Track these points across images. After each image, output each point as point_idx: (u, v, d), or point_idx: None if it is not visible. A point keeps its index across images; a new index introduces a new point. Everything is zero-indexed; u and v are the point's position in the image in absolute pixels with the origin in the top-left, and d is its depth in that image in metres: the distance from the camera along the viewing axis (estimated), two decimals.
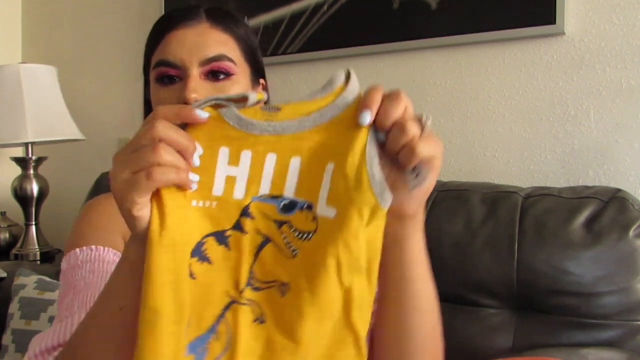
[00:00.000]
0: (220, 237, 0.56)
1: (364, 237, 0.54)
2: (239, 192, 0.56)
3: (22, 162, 2.05)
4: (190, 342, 0.54)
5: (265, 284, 0.56)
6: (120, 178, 0.50)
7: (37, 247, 2.05)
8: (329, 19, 1.66)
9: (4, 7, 2.37)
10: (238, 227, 0.56)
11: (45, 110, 1.95)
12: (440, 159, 0.54)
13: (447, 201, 1.30)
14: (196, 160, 0.53)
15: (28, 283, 1.58)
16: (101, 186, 1.75)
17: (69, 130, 1.97)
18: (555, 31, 1.37)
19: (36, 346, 0.69)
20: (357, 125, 0.54)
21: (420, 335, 0.62)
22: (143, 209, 0.51)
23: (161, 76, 0.77)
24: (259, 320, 0.55)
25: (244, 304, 0.55)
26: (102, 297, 0.59)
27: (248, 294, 0.56)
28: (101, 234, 0.79)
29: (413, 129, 0.52)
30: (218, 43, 0.78)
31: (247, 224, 0.56)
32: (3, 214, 2.16)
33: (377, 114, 0.53)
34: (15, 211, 2.13)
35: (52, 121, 1.95)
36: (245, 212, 0.56)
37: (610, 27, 1.34)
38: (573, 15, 1.37)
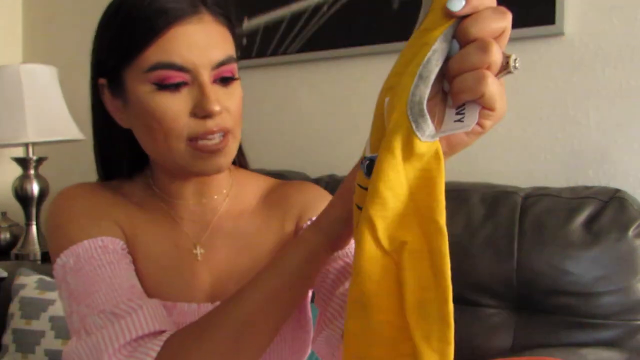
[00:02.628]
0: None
1: (404, 182, 0.43)
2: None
3: (22, 162, 2.05)
4: None
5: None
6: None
7: (37, 247, 2.05)
8: (329, 19, 1.67)
9: (4, 7, 2.37)
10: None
11: (45, 110, 1.95)
12: (500, 117, 0.44)
13: (447, 201, 1.30)
14: None
15: (28, 283, 1.58)
16: None
17: (69, 130, 1.97)
18: (555, 32, 1.37)
19: (107, 347, 0.59)
20: (429, 29, 0.42)
21: None
22: None
23: (164, 80, 0.63)
24: None
25: None
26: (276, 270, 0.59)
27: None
28: (97, 222, 0.69)
29: (497, 56, 0.41)
30: (224, 42, 0.67)
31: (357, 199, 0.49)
32: (3, 214, 2.16)
33: (468, 18, 0.41)
34: (15, 211, 2.13)
35: (52, 121, 1.95)
36: None
37: (609, 27, 1.34)
38: (572, 16, 1.37)
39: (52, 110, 1.97)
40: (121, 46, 0.65)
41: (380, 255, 0.43)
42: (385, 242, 0.43)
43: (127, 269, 0.67)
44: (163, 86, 0.63)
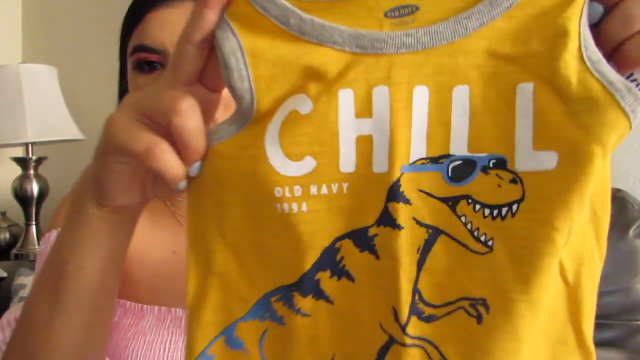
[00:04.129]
0: (361, 238, 0.36)
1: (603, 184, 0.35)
2: (380, 162, 0.35)
3: (22, 162, 2.05)
4: None
5: (444, 307, 0.36)
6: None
7: (37, 247, 2.05)
8: None
9: (4, 7, 2.37)
10: (387, 219, 0.35)
11: (45, 110, 1.95)
12: None
13: None
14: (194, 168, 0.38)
15: (28, 283, 1.58)
16: None
17: (69, 130, 1.97)
18: None
19: (6, 317, 0.62)
20: (560, 3, 0.34)
21: None
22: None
23: (140, 63, 0.65)
24: None
25: (410, 345, 0.35)
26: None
27: (415, 328, 0.36)
28: None
29: None
30: None
31: (401, 212, 0.35)
32: (3, 214, 2.16)
33: None
34: (15, 211, 2.13)
35: (52, 121, 1.95)
36: (395, 194, 0.35)
37: None
38: None
39: (51, 110, 1.97)
40: (121, 34, 0.70)
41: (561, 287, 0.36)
42: (568, 266, 0.36)
43: None
44: (140, 69, 0.65)
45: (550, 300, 0.35)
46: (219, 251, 0.38)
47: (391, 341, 0.36)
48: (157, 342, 0.64)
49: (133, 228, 0.48)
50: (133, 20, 0.67)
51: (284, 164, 0.36)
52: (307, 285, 0.37)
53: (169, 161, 0.37)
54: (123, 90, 0.75)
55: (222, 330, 0.39)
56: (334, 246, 0.36)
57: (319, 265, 0.37)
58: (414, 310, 0.36)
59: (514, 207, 0.34)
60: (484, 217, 0.35)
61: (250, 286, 0.38)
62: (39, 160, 2.06)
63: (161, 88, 0.39)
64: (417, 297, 0.36)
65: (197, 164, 0.38)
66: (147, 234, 0.71)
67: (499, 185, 0.35)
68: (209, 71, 0.39)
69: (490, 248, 0.35)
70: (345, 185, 0.36)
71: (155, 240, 0.71)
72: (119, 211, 0.44)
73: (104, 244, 0.45)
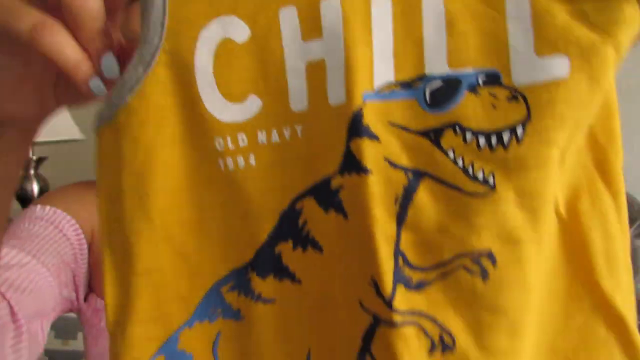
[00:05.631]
0: (324, 194, 0.29)
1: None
2: (337, 92, 0.27)
3: None
4: None
5: (437, 269, 0.29)
6: None
7: None
8: None
9: None
10: (351, 163, 0.28)
11: None
12: None
13: None
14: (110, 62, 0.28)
15: None
16: None
17: (69, 130, 1.97)
18: None
19: None
20: None
21: None
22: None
23: None
24: (442, 346, 0.28)
25: (401, 323, 0.28)
26: None
27: (403, 301, 0.28)
28: (82, 205, 0.66)
29: None
30: None
31: (367, 151, 0.28)
32: None
33: None
34: (15, 211, 2.12)
35: (52, 121, 1.95)
36: (357, 128, 0.27)
37: None
38: None
39: None
40: None
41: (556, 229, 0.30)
42: (561, 199, 0.30)
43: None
44: None
45: (552, 245, 0.30)
46: (144, 242, 0.29)
47: (376, 322, 0.28)
48: None
49: (26, 152, 0.40)
50: None
51: (223, 108, 0.28)
52: (265, 262, 0.30)
53: (62, 44, 0.28)
54: None
55: (160, 347, 0.30)
56: (294, 208, 0.29)
57: (277, 235, 0.29)
58: (399, 278, 0.28)
59: (519, 130, 0.27)
60: (479, 148, 0.27)
61: (192, 280, 0.30)
62: (39, 160, 2.06)
63: None
64: (400, 261, 0.28)
65: (110, 61, 0.29)
66: None
67: (494, 106, 0.27)
68: None
69: (492, 186, 0.28)
70: (299, 129, 0.28)
71: None
72: (9, 125, 0.36)
73: None
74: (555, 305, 0.30)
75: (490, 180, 0.28)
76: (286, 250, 0.29)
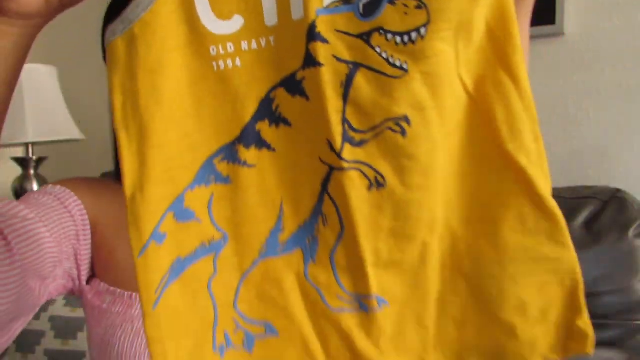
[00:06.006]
0: (291, 84, 0.40)
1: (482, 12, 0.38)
2: (298, 9, 0.38)
3: (22, 162, 2.05)
4: (292, 234, 0.41)
5: (372, 131, 0.40)
6: None
7: None
8: None
9: None
10: (310, 60, 0.39)
11: (45, 110, 1.94)
12: None
13: None
14: None
15: None
16: None
17: (69, 130, 1.97)
18: (555, 31, 1.37)
19: None
20: None
21: None
22: None
23: None
24: (376, 184, 0.40)
25: (348, 169, 0.39)
26: None
27: (349, 153, 0.40)
28: (92, 193, 0.68)
29: None
30: None
31: (321, 51, 0.38)
32: None
33: None
34: None
35: (52, 121, 1.95)
36: (313, 35, 0.38)
37: (610, 27, 1.34)
38: (573, 15, 1.37)
39: (51, 110, 1.97)
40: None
41: (464, 98, 0.40)
42: (468, 81, 0.40)
43: (35, 228, 0.61)
44: None
45: (459, 114, 0.40)
46: (157, 122, 0.38)
47: (331, 170, 0.40)
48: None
49: (29, 50, 0.46)
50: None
51: (215, 24, 0.38)
52: (249, 136, 0.40)
53: None
54: None
55: (170, 204, 0.39)
56: (269, 96, 0.40)
57: (258, 117, 0.40)
58: (346, 138, 0.39)
59: (422, 30, 0.38)
60: (397, 44, 0.38)
61: (192, 153, 0.40)
62: (39, 160, 2.06)
63: None
64: (346, 126, 0.39)
65: None
66: None
67: (406, 13, 0.37)
68: None
69: (405, 70, 0.38)
70: (271, 38, 0.39)
71: None
72: (20, 19, 0.43)
73: (2, 62, 0.44)
74: (474, 163, 0.41)
75: (405, 66, 0.38)
76: (264, 127, 0.40)
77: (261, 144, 0.40)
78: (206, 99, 0.40)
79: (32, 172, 2.06)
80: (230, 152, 0.40)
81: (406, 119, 0.39)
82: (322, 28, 0.38)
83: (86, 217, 0.66)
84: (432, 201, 0.40)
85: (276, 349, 0.41)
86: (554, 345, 0.42)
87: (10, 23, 0.44)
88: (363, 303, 0.41)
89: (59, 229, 0.63)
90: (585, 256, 1.15)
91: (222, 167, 0.40)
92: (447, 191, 0.41)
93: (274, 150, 0.40)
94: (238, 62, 0.39)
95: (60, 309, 1.48)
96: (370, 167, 0.39)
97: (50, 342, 1.48)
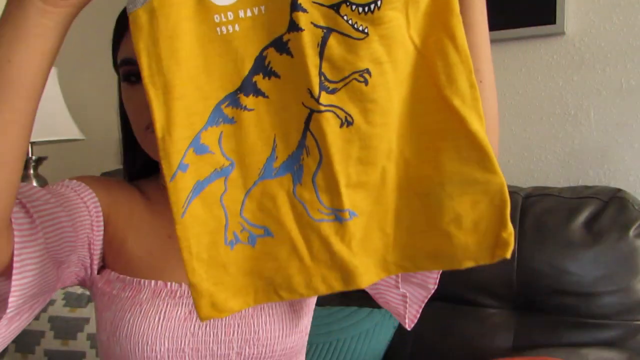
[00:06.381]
0: (279, 45, 0.50)
1: None
2: None
3: None
4: (283, 162, 0.52)
5: (342, 81, 0.50)
6: None
7: None
8: None
9: (3, 7, 2.37)
10: (293, 26, 0.49)
11: (45, 110, 1.94)
12: None
13: None
14: None
15: None
16: None
17: (69, 130, 1.97)
18: (556, 31, 1.37)
19: None
20: None
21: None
22: None
23: (127, 75, 0.69)
24: (347, 123, 0.50)
25: (324, 111, 0.50)
26: None
27: (325, 99, 0.50)
28: (102, 185, 0.70)
29: None
30: None
31: (302, 19, 0.48)
32: None
33: None
34: None
35: (52, 121, 1.95)
36: (295, 6, 0.48)
37: (610, 27, 1.34)
38: (573, 15, 1.37)
39: (51, 110, 1.97)
40: (112, 46, 0.73)
41: (413, 53, 0.51)
42: (417, 40, 0.51)
43: (54, 212, 0.63)
44: (128, 80, 0.69)
45: (410, 66, 0.51)
46: (177, 79, 0.49)
47: (311, 112, 0.50)
48: (152, 311, 0.67)
49: (66, 31, 0.53)
50: (119, 32, 0.70)
51: None
52: (248, 87, 0.50)
53: None
54: (120, 101, 0.77)
55: (190, 142, 0.50)
56: (262, 54, 0.50)
57: (254, 71, 0.50)
58: (322, 87, 0.49)
59: (379, 2, 0.48)
60: (359, 13, 0.48)
61: (204, 101, 0.50)
62: (39, 160, 2.06)
63: None
64: (322, 78, 0.49)
65: None
66: (145, 219, 0.73)
67: None
68: None
69: (367, 34, 0.49)
70: (263, 7, 0.49)
71: (153, 225, 0.72)
72: (62, 4, 0.50)
73: (43, 43, 0.50)
74: (421, 104, 0.51)
75: (366, 30, 0.49)
76: (259, 79, 0.50)
77: (257, 92, 0.51)
78: (213, 58, 0.50)
79: (31, 171, 2.05)
80: (233, 99, 0.50)
81: (368, 72, 0.49)
82: (302, 0, 0.48)
83: (100, 209, 0.69)
84: (389, 135, 0.51)
85: (273, 246, 0.52)
86: (483, 251, 0.51)
87: (52, 2, 0.50)
88: (338, 215, 0.51)
89: (75, 217, 0.66)
90: (585, 256, 1.15)
91: (228, 111, 0.51)
92: (400, 127, 0.52)
93: (267, 97, 0.51)
94: (237, 27, 0.49)
95: (60, 309, 1.48)
96: (342, 109, 0.50)
97: (50, 342, 1.48)
